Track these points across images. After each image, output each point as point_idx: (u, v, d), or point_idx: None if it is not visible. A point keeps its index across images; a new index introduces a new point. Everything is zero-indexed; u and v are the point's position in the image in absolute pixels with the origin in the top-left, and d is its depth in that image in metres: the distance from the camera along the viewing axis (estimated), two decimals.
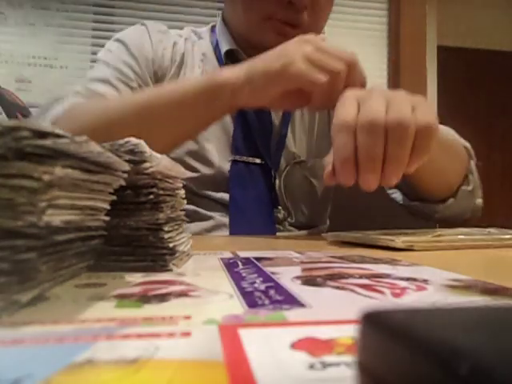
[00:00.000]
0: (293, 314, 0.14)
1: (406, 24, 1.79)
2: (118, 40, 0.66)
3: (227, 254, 0.32)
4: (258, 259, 0.29)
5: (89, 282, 0.20)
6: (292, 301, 0.16)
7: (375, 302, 0.16)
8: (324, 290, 0.19)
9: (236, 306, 0.16)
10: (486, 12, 2.26)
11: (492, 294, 0.18)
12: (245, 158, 0.67)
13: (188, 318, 0.14)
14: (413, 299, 0.17)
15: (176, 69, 0.67)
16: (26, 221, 0.13)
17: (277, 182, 0.69)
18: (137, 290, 0.18)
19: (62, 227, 0.16)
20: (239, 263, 0.27)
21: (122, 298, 0.17)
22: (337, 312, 0.15)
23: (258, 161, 0.67)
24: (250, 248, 0.43)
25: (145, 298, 0.17)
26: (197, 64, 0.68)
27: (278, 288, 0.19)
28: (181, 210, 0.31)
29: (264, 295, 0.18)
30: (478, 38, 2.29)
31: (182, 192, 0.31)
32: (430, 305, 0.16)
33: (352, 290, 0.19)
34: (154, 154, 0.25)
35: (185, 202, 0.32)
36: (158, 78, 0.65)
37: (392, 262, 0.29)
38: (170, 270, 0.24)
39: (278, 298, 0.17)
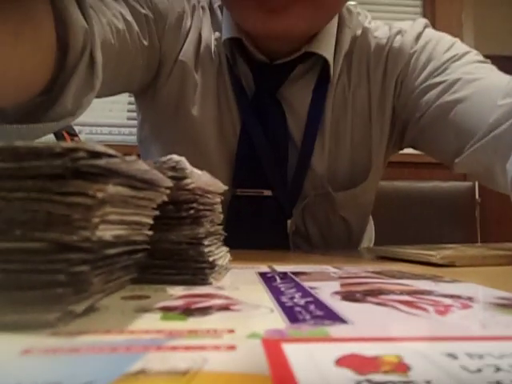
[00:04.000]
0: (335, 329, 0.15)
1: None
2: None
3: (264, 268, 0.33)
4: (295, 274, 0.29)
5: (133, 294, 0.21)
6: (333, 316, 0.16)
7: (418, 320, 0.16)
8: (365, 306, 0.19)
9: (277, 320, 0.16)
10: None
11: None
12: (250, 192, 0.54)
13: (231, 331, 0.14)
14: (458, 317, 0.17)
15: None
16: (81, 235, 0.14)
17: (289, 223, 0.55)
18: (180, 303, 0.19)
19: (112, 241, 0.16)
20: (277, 278, 0.27)
21: (166, 310, 0.17)
22: (380, 329, 0.15)
23: (268, 193, 0.54)
24: (285, 262, 0.43)
25: (188, 311, 0.17)
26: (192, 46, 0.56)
27: (318, 303, 0.19)
28: (218, 225, 0.31)
29: (304, 310, 0.18)
30: None
31: (220, 206, 0.32)
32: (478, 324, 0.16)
33: (394, 307, 0.18)
34: (195, 170, 0.26)
35: (222, 216, 0.33)
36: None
37: (433, 278, 0.28)
38: (210, 284, 0.24)
39: (319, 313, 0.17)
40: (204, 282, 0.24)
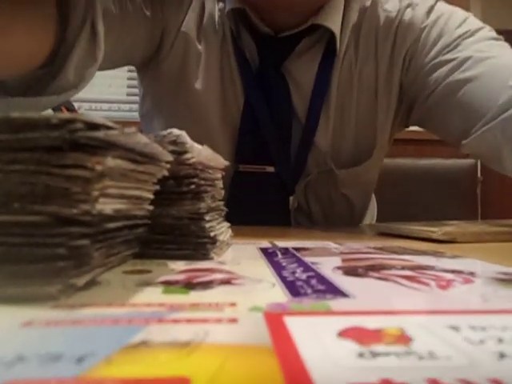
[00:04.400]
0: (337, 303, 0.14)
1: None
2: None
3: (265, 244, 0.33)
4: (297, 249, 0.29)
5: (135, 268, 0.21)
6: (335, 290, 0.16)
7: (420, 294, 0.16)
8: (367, 280, 0.19)
9: (279, 294, 0.16)
10: None
11: None
12: (253, 168, 0.54)
13: (233, 304, 0.14)
14: (460, 291, 0.17)
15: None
16: (81, 209, 0.14)
17: (291, 200, 0.55)
18: (181, 277, 0.19)
19: (112, 215, 0.16)
20: (278, 253, 0.27)
21: (168, 284, 0.17)
22: (382, 303, 0.15)
23: (271, 169, 0.54)
24: (287, 238, 0.43)
25: (190, 285, 0.17)
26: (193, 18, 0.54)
27: (320, 278, 0.19)
28: (220, 200, 0.31)
29: (306, 284, 0.18)
30: None
31: (221, 182, 0.32)
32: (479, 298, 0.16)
33: (396, 282, 0.18)
34: (195, 144, 0.26)
35: (223, 191, 0.32)
36: None
37: (435, 253, 0.28)
38: (212, 259, 0.24)
39: (321, 287, 0.17)
40: (205, 256, 0.24)
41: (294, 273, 0.20)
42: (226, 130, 0.55)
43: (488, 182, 1.39)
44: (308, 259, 0.25)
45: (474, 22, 0.54)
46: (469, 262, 0.25)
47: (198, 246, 0.24)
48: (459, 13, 0.55)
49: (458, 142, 0.50)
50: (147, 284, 0.17)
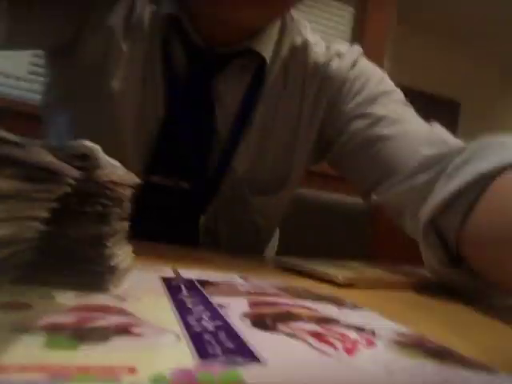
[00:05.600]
0: (249, 372, 0.13)
1: None
2: None
3: (168, 272, 0.30)
4: (202, 283, 0.28)
5: (11, 300, 0.17)
6: (245, 352, 0.15)
7: (330, 362, 0.16)
8: (276, 337, 0.18)
9: (185, 353, 0.14)
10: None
11: (438, 357, 0.18)
12: (165, 181, 0.51)
13: (132, 370, 0.12)
14: (365, 359, 0.17)
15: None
16: None
17: (202, 219, 0.54)
18: (70, 318, 0.16)
19: None
20: (183, 288, 0.25)
21: (52, 329, 0.15)
22: (294, 371, 0.14)
23: (184, 185, 0.52)
24: (189, 261, 0.41)
25: (80, 333, 0.15)
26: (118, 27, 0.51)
27: (229, 330, 0.18)
28: (125, 219, 0.28)
29: (214, 339, 0.16)
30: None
31: (129, 199, 0.29)
32: (384, 369, 0.16)
33: (305, 341, 0.18)
34: (110, 160, 0.23)
35: (129, 208, 0.30)
36: None
37: (336, 301, 0.29)
38: (108, 291, 0.22)
39: (230, 345, 0.16)
40: (102, 288, 0.21)
41: (200, 319, 0.19)
42: (140, 137, 0.52)
43: (379, 220, 1.52)
44: (215, 299, 0.23)
45: (389, 82, 0.59)
46: (369, 317, 0.25)
47: (94, 275, 0.22)
48: (378, 71, 0.60)
49: (365, 192, 0.54)
50: (25, 329, 0.14)
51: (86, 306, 0.18)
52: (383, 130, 0.52)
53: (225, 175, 0.54)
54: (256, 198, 0.57)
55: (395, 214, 0.51)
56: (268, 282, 0.33)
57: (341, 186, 1.42)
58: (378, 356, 0.17)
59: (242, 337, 0.17)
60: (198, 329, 0.17)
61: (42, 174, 0.16)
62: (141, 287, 0.25)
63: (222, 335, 0.17)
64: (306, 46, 0.58)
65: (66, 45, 0.52)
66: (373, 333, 0.21)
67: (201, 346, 0.15)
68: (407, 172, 0.48)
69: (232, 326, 0.19)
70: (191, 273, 0.31)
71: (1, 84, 1.57)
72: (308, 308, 0.25)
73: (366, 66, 0.60)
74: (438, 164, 0.44)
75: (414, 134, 0.51)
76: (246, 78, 0.55)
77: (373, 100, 0.55)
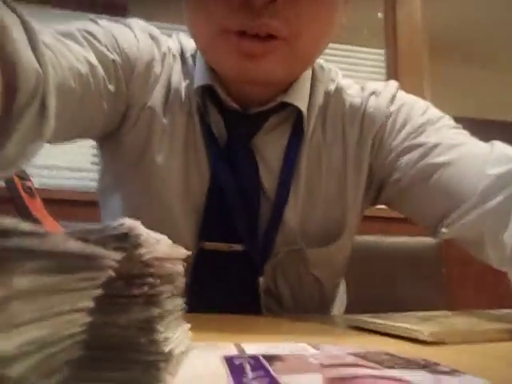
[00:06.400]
0: None
1: None
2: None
3: (230, 349, 0.28)
4: (268, 358, 0.25)
5: None
6: None
7: None
8: None
9: None
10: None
11: None
12: (218, 246, 0.51)
13: None
14: None
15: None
16: None
17: (261, 280, 0.52)
18: None
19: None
20: (247, 367, 0.22)
21: None
22: None
23: (238, 248, 0.51)
24: (253, 332, 0.38)
25: None
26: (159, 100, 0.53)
27: None
28: (179, 296, 0.27)
29: None
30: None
31: (182, 274, 0.27)
32: None
33: None
34: (152, 234, 0.22)
35: (183, 283, 0.28)
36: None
37: (428, 365, 0.24)
38: (163, 382, 0.19)
39: None
40: (156, 380, 0.19)
41: None
42: (188, 207, 0.52)
43: (450, 262, 1.40)
44: (283, 379, 0.20)
45: (435, 110, 0.56)
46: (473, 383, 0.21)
47: (147, 365, 0.19)
48: (421, 101, 0.58)
49: (433, 228, 0.49)
50: None
51: None
52: (439, 157, 0.49)
53: (277, 231, 0.52)
54: (312, 250, 0.54)
55: (473, 246, 0.46)
56: (343, 348, 0.29)
57: (402, 228, 1.35)
58: None
59: None
60: None
61: (75, 263, 0.15)
62: (200, 373, 0.22)
63: None
64: (339, 91, 0.58)
65: (112, 132, 0.54)
66: None
67: None
68: (477, 196, 0.43)
69: None
70: (256, 347, 0.28)
71: (67, 178, 1.70)
72: (397, 380, 0.21)
73: (407, 97, 0.57)
74: (510, 182, 0.40)
75: (474, 155, 0.47)
76: (286, 131, 0.55)
77: (420, 130, 0.52)
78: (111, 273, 0.18)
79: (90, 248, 0.16)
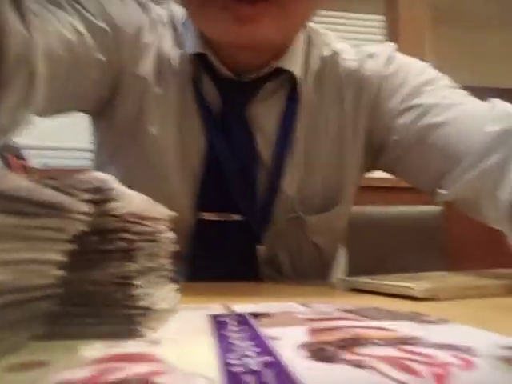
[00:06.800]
0: None
1: None
2: None
3: (219, 309, 0.27)
4: (256, 315, 0.25)
5: (27, 359, 0.15)
6: None
7: None
8: (338, 369, 0.14)
9: None
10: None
11: None
12: (216, 216, 0.51)
13: None
14: None
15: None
16: None
17: (259, 250, 0.52)
18: (85, 373, 0.14)
19: None
20: (231, 324, 0.22)
21: None
22: None
23: (236, 217, 0.50)
24: (247, 296, 0.37)
25: None
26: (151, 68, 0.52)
27: (278, 368, 0.14)
28: (167, 258, 0.26)
29: (257, 380, 0.13)
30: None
31: (170, 235, 0.27)
32: None
33: (375, 369, 0.14)
34: (128, 191, 0.21)
35: (174, 246, 0.28)
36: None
37: (416, 317, 0.24)
38: (142, 336, 0.19)
39: None
40: (134, 333, 0.19)
41: (244, 357, 0.15)
42: (185, 177, 0.52)
43: (452, 229, 1.39)
44: (267, 331, 0.20)
45: (432, 71, 0.55)
46: (460, 331, 0.20)
47: (125, 319, 0.19)
48: (418, 63, 0.56)
49: (431, 188, 0.48)
50: None
51: (112, 356, 0.16)
52: (436, 118, 0.47)
53: (275, 199, 0.51)
54: (311, 217, 0.53)
55: (470, 206, 0.45)
56: (334, 306, 0.29)
57: (404, 198, 1.34)
58: (482, 381, 0.13)
59: (293, 374, 0.13)
60: (238, 369, 0.14)
61: (36, 210, 0.14)
62: (183, 328, 0.22)
63: (269, 374, 0.13)
64: (335, 55, 0.56)
65: (105, 104, 0.53)
66: (468, 350, 0.16)
67: None
68: (474, 155, 0.42)
69: (283, 361, 0.15)
70: (245, 307, 0.28)
71: (68, 158, 1.69)
72: (382, 329, 0.21)
73: (404, 59, 0.55)
74: (507, 139, 0.39)
75: (472, 114, 0.46)
76: (281, 98, 0.53)
77: (418, 91, 0.50)
78: (82, 226, 0.18)
79: (58, 196, 0.15)
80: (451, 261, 1.23)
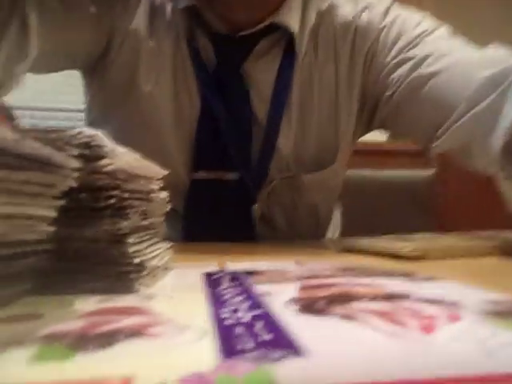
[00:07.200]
0: (285, 370, 0.10)
1: None
2: None
3: (212, 268, 0.28)
4: (249, 273, 0.25)
5: (20, 312, 0.15)
6: (284, 343, 0.12)
7: (400, 344, 0.12)
8: (328, 321, 0.14)
9: (206, 352, 0.11)
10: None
11: None
12: (211, 175, 0.50)
13: (128, 382, 0.09)
14: (450, 337, 0.13)
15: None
16: None
17: (254, 209, 0.51)
18: (78, 325, 0.14)
19: None
20: (224, 280, 0.23)
21: (50, 340, 0.12)
22: (348, 362, 0.11)
23: (231, 176, 0.50)
24: (241, 255, 0.38)
25: (82, 341, 0.12)
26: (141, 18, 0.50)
27: (268, 319, 0.15)
28: (158, 216, 0.26)
29: (248, 331, 0.13)
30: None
31: (163, 194, 0.27)
32: (479, 347, 0.12)
33: (365, 322, 0.14)
34: (119, 148, 0.21)
35: (167, 206, 0.28)
36: None
37: (407, 274, 0.24)
38: (136, 291, 0.19)
39: (266, 337, 0.12)
40: (128, 289, 0.19)
41: (235, 311, 0.16)
42: (180, 135, 0.51)
43: (444, 193, 1.40)
44: (259, 288, 0.20)
45: (430, 21, 0.53)
46: (448, 287, 0.21)
47: (119, 275, 0.19)
48: (415, 14, 0.54)
49: (427, 139, 0.47)
50: (20, 341, 0.12)
51: (105, 309, 0.16)
52: (428, 68, 0.46)
53: (271, 158, 0.51)
54: (306, 176, 0.53)
55: (463, 155, 0.44)
56: (326, 264, 0.29)
57: (398, 162, 1.34)
58: (466, 332, 0.13)
59: (282, 326, 0.14)
60: (230, 321, 0.14)
61: (27, 164, 0.14)
62: (177, 285, 0.22)
63: (259, 326, 0.14)
64: (332, 9, 0.54)
65: (98, 60, 0.52)
66: (454, 304, 0.17)
67: (229, 341, 0.12)
68: (466, 102, 0.41)
69: (273, 314, 0.15)
70: (239, 265, 0.29)
71: (61, 119, 1.66)
72: (372, 285, 0.21)
73: (401, 11, 0.53)
74: (501, 83, 0.38)
75: (466, 61, 0.45)
76: (277, 55, 0.52)
77: (414, 43, 0.49)
78: (71, 182, 0.17)
79: (46, 150, 0.15)
80: (443, 223, 1.24)
